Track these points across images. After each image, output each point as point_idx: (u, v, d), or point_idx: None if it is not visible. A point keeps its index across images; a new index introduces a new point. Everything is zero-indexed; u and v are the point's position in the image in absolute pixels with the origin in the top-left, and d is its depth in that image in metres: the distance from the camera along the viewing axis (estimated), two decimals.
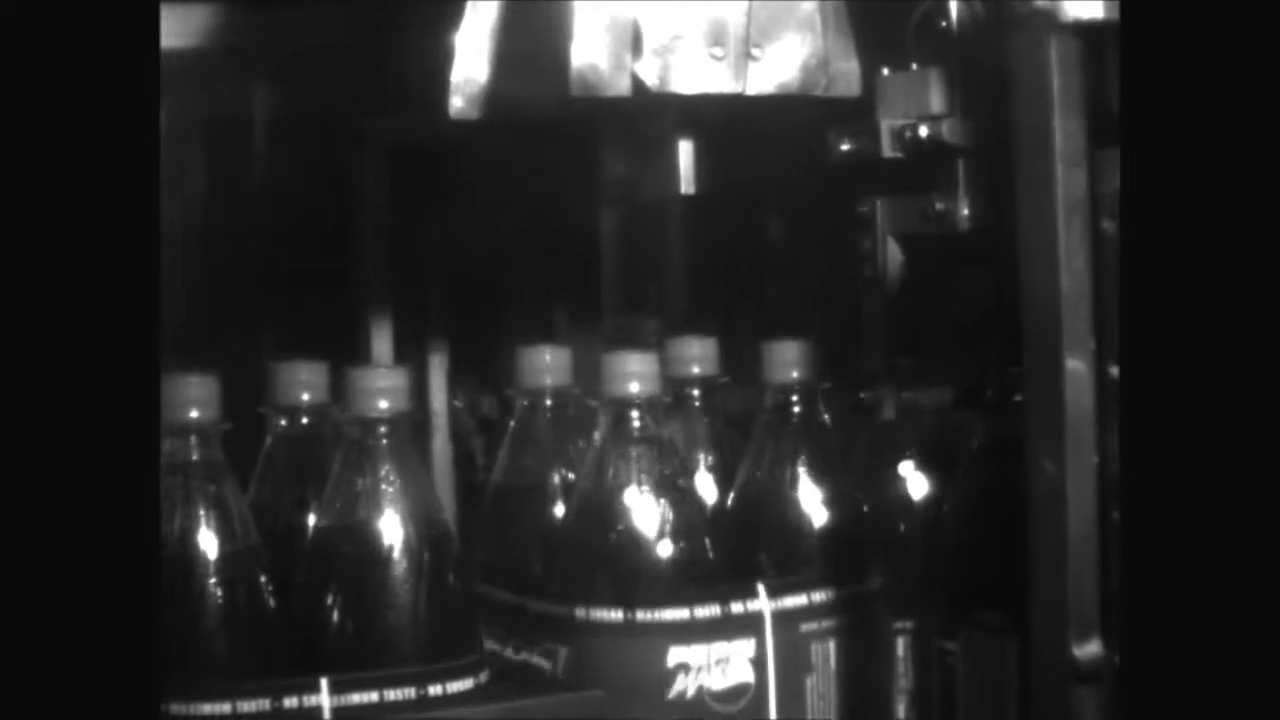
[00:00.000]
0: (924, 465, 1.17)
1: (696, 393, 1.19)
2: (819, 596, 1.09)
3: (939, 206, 1.07)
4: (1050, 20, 0.85)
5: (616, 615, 1.05)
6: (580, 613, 1.05)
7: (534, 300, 1.47)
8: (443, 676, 0.99)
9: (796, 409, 1.14)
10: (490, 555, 1.16)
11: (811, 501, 1.14)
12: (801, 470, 1.14)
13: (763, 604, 1.07)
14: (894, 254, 1.13)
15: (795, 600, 1.08)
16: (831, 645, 1.09)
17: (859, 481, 1.16)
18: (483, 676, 1.01)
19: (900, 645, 1.13)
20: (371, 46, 1.28)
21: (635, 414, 1.08)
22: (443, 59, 1.12)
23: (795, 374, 1.14)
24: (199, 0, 1.26)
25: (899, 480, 1.18)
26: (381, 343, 1.43)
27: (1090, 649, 0.86)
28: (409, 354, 1.44)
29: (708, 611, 1.06)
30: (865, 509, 1.15)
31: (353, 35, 1.29)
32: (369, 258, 1.44)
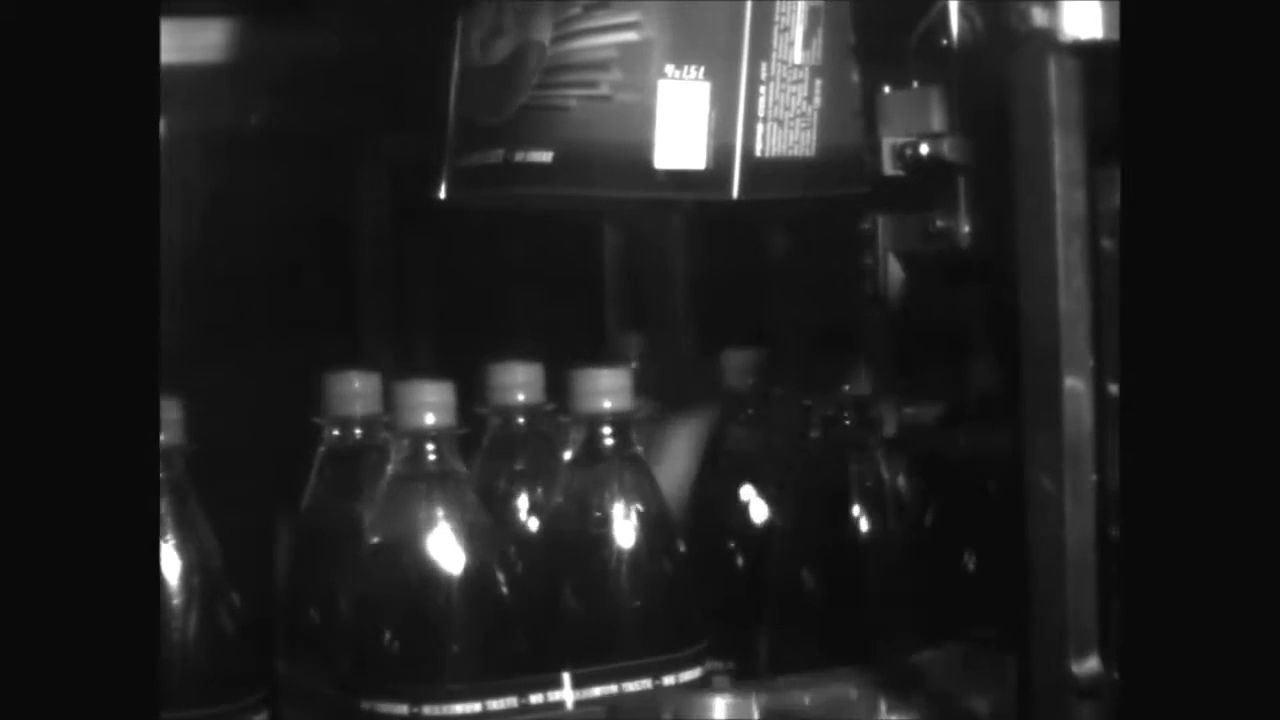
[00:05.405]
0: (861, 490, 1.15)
1: (521, 421, 1.12)
2: (631, 686, 1.02)
3: (940, 224, 1.07)
4: (1049, 39, 0.85)
5: (401, 710, 0.99)
6: (365, 705, 0.99)
7: (533, 316, 1.47)
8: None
9: (608, 441, 1.07)
10: (293, 617, 1.10)
11: (623, 535, 1.06)
12: (611, 505, 1.07)
13: (566, 694, 1.01)
14: (895, 271, 1.13)
15: (604, 689, 1.02)
16: None
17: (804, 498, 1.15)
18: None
19: None
20: (372, 63, 1.28)
21: (430, 447, 1.02)
22: (445, 76, 1.12)
23: (607, 404, 1.06)
24: (200, 16, 1.26)
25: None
26: (378, 348, 1.43)
27: (1089, 665, 0.86)
28: (402, 364, 1.43)
29: (503, 704, 0.99)
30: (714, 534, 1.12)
31: (354, 52, 1.30)
32: (368, 268, 1.44)
